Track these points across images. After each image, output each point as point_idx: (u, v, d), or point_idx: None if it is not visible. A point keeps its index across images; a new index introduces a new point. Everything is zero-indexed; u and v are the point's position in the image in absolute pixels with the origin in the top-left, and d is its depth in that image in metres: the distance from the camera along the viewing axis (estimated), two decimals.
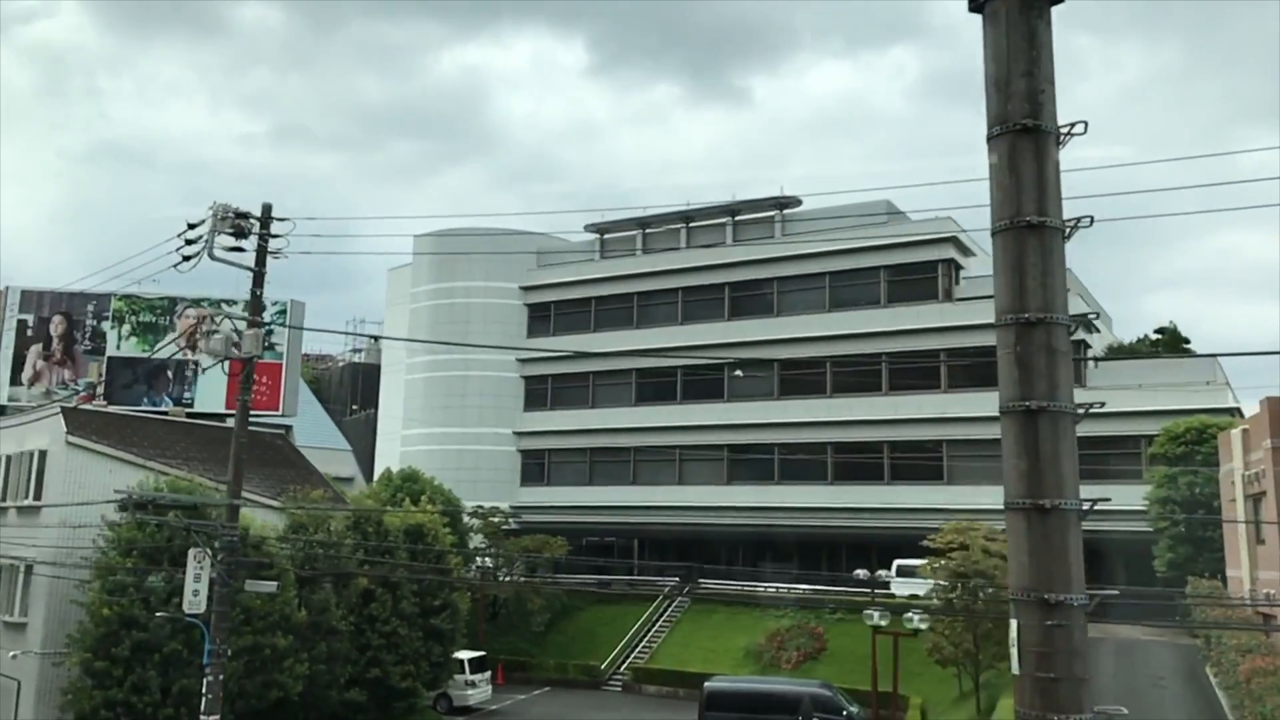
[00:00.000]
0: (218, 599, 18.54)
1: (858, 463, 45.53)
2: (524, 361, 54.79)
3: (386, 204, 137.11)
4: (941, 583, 30.30)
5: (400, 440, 56.99)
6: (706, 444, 49.28)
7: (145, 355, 30.93)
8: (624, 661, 41.43)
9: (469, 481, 50.53)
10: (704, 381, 49.96)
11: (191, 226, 19.76)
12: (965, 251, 46.00)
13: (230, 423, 32.33)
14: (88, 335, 31.53)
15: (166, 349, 30.48)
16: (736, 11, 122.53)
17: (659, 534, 50.27)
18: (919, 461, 44.29)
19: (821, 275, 47.70)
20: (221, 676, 18.51)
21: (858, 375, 46.05)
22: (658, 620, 43.49)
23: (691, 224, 52.73)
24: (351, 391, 69.23)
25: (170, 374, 31.36)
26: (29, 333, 31.46)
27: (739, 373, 48.20)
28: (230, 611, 18.95)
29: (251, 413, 35.63)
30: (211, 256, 19.37)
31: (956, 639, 28.02)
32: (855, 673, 35.83)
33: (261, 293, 19.99)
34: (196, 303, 32.02)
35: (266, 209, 19.97)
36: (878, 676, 33.76)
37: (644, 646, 42.10)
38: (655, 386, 51.26)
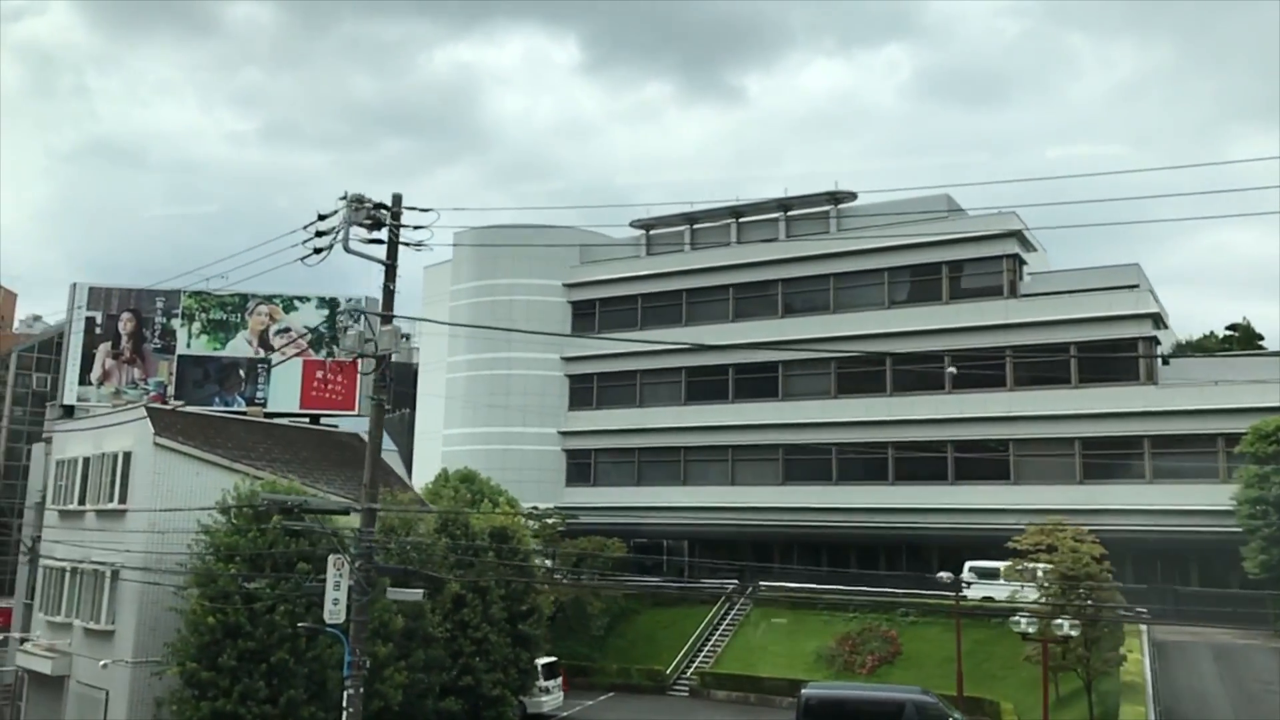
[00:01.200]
0: (356, 608, 17.63)
1: (920, 462, 44.74)
2: (568, 360, 53.92)
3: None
4: (1045, 585, 29.53)
5: (442, 440, 56.04)
6: (761, 443, 48.47)
7: (216, 354, 29.98)
8: (688, 666, 40.59)
9: (513, 482, 49.51)
10: (757, 380, 49.13)
11: (322, 217, 18.84)
12: (1028, 247, 45.28)
13: (303, 423, 31.38)
14: (157, 333, 30.53)
15: (237, 347, 29.51)
16: (730, 10, 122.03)
17: (711, 535, 49.44)
18: (984, 461, 43.55)
19: (880, 271, 46.91)
20: (362, 689, 17.61)
21: (919, 373, 45.29)
22: (720, 624, 42.66)
23: (742, 219, 51.93)
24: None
25: (242, 373, 30.40)
26: (97, 330, 30.45)
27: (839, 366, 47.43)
28: (368, 621, 18.04)
29: (327, 413, 34.82)
30: (347, 249, 18.46)
31: (1073, 643, 27.21)
32: (935, 677, 35.06)
33: (394, 286, 19.07)
34: (269, 299, 31.07)
35: (397, 199, 19.05)
36: (963, 680, 33.11)
37: (708, 650, 41.24)
38: (706, 385, 50.43)
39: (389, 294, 19.07)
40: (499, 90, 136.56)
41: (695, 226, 53.10)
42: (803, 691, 28.50)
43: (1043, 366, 43.18)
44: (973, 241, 44.65)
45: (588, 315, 54.91)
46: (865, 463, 46.00)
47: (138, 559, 24.52)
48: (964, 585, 33.88)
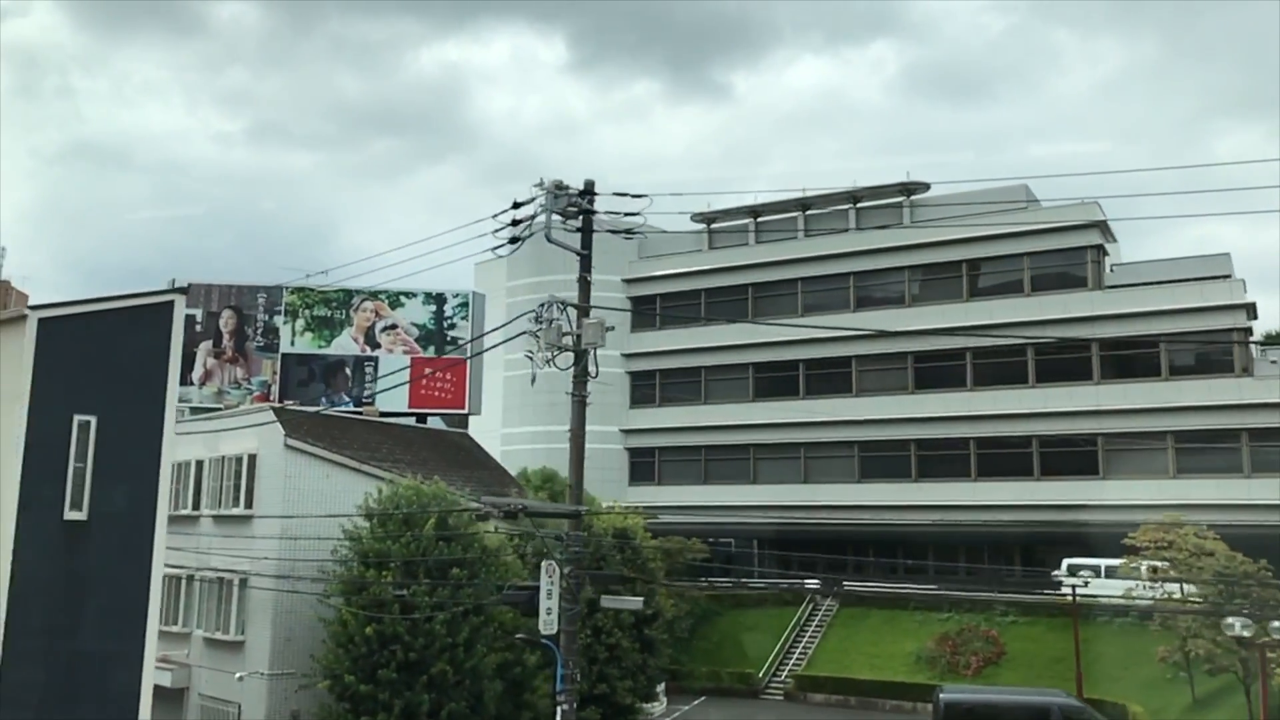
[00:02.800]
0: (566, 618, 16.62)
1: (1003, 458, 43.90)
2: (629, 356, 52.84)
3: (367, 202, 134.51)
4: (1184, 584, 28.72)
5: (500, 439, 54.83)
6: (835, 440, 47.56)
7: (321, 351, 28.88)
8: (779, 668, 39.69)
9: None
10: (829, 375, 48.23)
11: (517, 205, 17.85)
12: (1109, 237, 44.50)
13: (418, 422, 29.94)
14: (259, 330, 29.43)
15: (343, 344, 28.41)
16: (716, 7, 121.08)
17: (783, 534, 48.44)
18: (1070, 456, 42.76)
19: (958, 263, 46.04)
20: (575, 705, 16.62)
21: (1001, 367, 44.49)
22: (809, 624, 41.73)
23: (809, 211, 50.96)
24: None
25: (349, 371, 29.30)
26: (198, 328, 29.32)
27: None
28: (576, 631, 17.02)
29: (436, 411, 33.74)
30: (549, 239, 17.46)
31: (1227, 644, 26.37)
32: (1046, 678, 34.26)
33: (590, 277, 18.07)
34: (374, 294, 29.97)
35: (589, 184, 18.06)
36: (1082, 682, 32.26)
37: (800, 652, 40.32)
38: (775, 381, 49.45)
39: (586, 285, 18.08)
40: (486, 89, 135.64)
41: (759, 219, 52.09)
42: (940, 696, 27.54)
43: (1132, 359, 42.46)
44: (1054, 232, 43.85)
45: (648, 310, 53.87)
46: (945, 459, 45.14)
47: (269, 566, 23.39)
48: (1083, 583, 33.04)
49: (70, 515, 13.95)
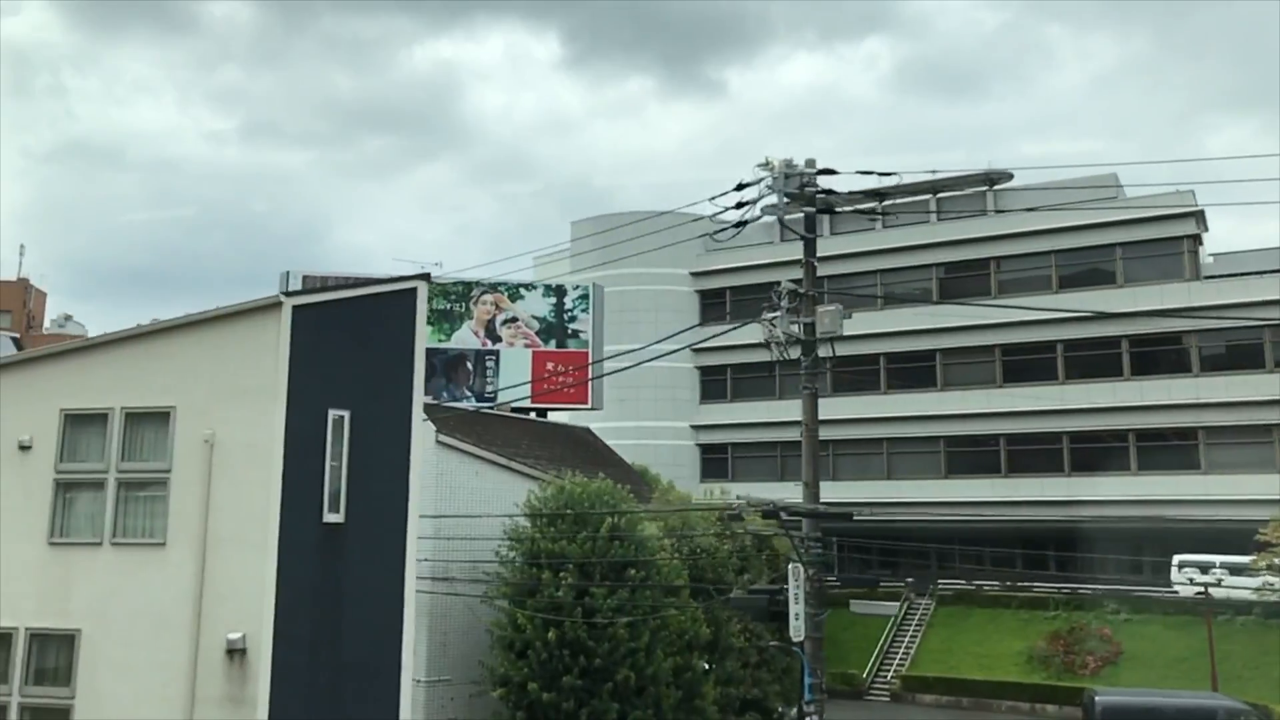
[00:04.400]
0: (812, 624, 15.65)
1: (1098, 452, 43.03)
2: (699, 351, 51.85)
3: (360, 201, 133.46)
4: None
5: None
6: (919, 435, 46.68)
7: (442, 345, 27.86)
8: (881, 668, 38.75)
9: None
10: (912, 369, 47.33)
11: (742, 186, 16.90)
12: (1203, 226, 43.63)
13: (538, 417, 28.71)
14: None
15: (463, 338, 27.38)
16: (710, 4, 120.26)
17: (865, 531, 47.48)
18: (1170, 450, 41.90)
19: (1047, 254, 45.14)
20: (825, 715, 15.64)
21: (1093, 359, 43.61)
22: (907, 624, 40.78)
23: (885, 202, 49.89)
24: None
25: (470, 365, 28.28)
26: None
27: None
28: (821, 639, 16.05)
29: (561, 407, 32.75)
30: (783, 223, 16.51)
31: None
32: (1169, 678, 33.37)
33: (815, 261, 17.10)
34: (493, 287, 28.94)
35: (810, 163, 17.08)
36: (1217, 682, 31.37)
37: (902, 652, 39.37)
38: (854, 375, 48.41)
39: (811, 269, 17.11)
40: (479, 86, 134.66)
41: (834, 211, 50.98)
42: (1095, 699, 26.61)
43: (1234, 351, 41.62)
44: (1148, 222, 43.00)
45: (717, 304, 52.97)
46: (1036, 454, 44.27)
47: (424, 568, 22.30)
48: (1215, 581, 32.18)
49: (329, 518, 12.91)
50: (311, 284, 28.81)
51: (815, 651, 15.68)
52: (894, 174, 16.46)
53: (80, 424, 13.36)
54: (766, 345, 16.32)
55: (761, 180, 16.84)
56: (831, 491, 47.78)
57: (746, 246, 52.60)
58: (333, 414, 13.10)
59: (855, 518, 38.60)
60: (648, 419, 52.45)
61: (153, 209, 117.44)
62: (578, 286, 28.98)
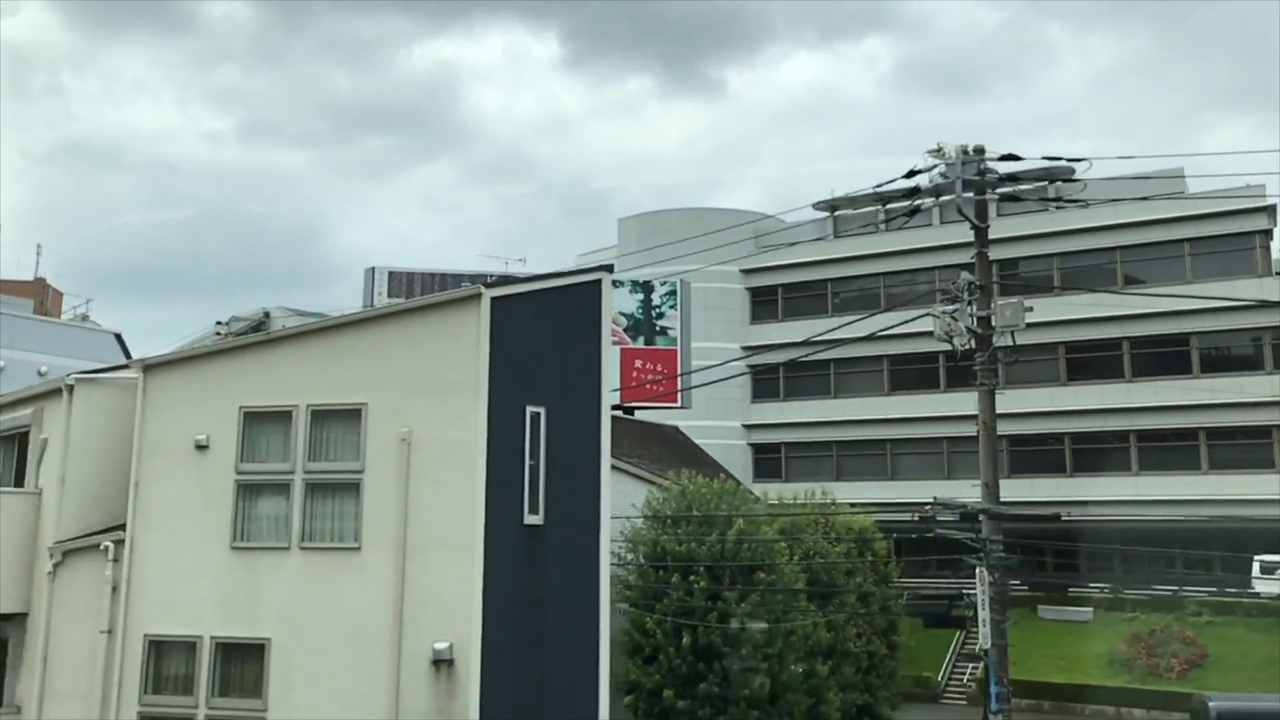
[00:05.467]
0: (995, 631, 15.01)
1: (1167, 451, 42.36)
2: (750, 349, 51.20)
3: (359, 201, 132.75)
4: None
5: None
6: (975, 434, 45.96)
7: None
8: (954, 671, 38.08)
9: None
10: (970, 368, 46.60)
11: (913, 173, 16.26)
12: (1275, 221, 42.99)
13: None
14: None
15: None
16: (710, 3, 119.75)
17: (925, 531, 46.84)
18: (1243, 448, 41.25)
19: (1111, 250, 44.46)
20: None
21: (1161, 357, 42.96)
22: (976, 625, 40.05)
23: (943, 198, 49.22)
24: None
25: None
26: None
27: None
28: (1006, 646, 15.41)
29: (648, 405, 32.06)
30: (961, 212, 15.85)
31: None
32: (1257, 682, 32.70)
33: (988, 252, 16.46)
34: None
35: (979, 150, 16.43)
36: None
37: (975, 655, 38.65)
38: (912, 374, 47.79)
39: (984, 260, 16.46)
40: (479, 86, 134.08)
41: (889, 206, 50.32)
42: (1210, 704, 25.77)
43: None
44: (1219, 217, 42.33)
45: (769, 302, 52.27)
46: (1102, 452, 43.63)
47: None
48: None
49: (529, 520, 12.26)
50: (397, 280, 28.20)
51: (1001, 659, 15.03)
52: (1084, 160, 15.68)
53: (261, 422, 12.71)
54: (947, 340, 15.60)
55: (934, 167, 16.12)
56: (890, 491, 47.41)
57: (799, 244, 51.99)
58: (529, 410, 12.45)
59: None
60: (698, 418, 51.67)
61: (151, 209, 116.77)
62: (665, 282, 28.34)
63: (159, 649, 12.49)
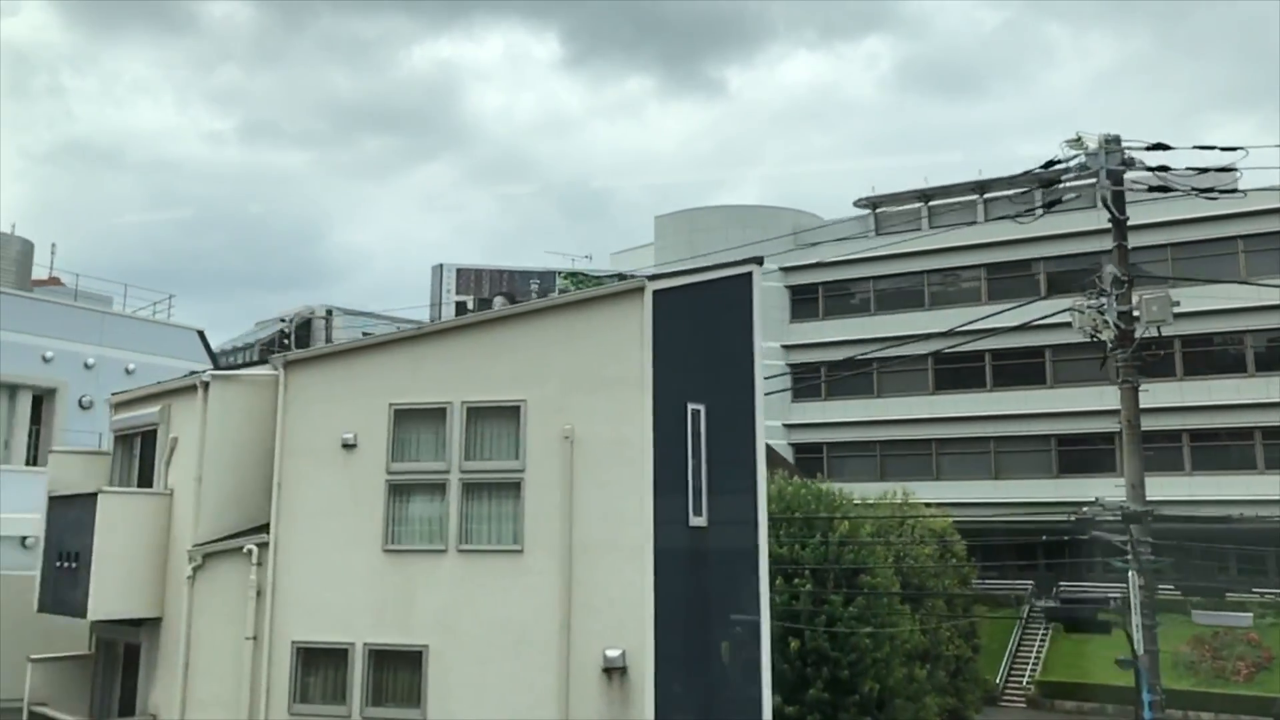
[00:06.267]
0: (1147, 637, 14.55)
1: (1222, 450, 41.90)
2: (790, 348, 50.73)
3: (360, 201, 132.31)
4: None
5: None
6: (1028, 434, 45.54)
7: None
8: (1013, 673, 37.62)
9: None
10: (1020, 366, 46.14)
11: (1049, 165, 15.78)
12: None
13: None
14: None
15: None
16: (710, 3, 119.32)
17: (969, 531, 46.36)
18: None
19: (1163, 247, 43.95)
20: None
21: (1214, 356, 42.50)
22: (1034, 628, 39.66)
23: (988, 195, 48.86)
24: None
25: None
26: None
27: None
28: (1158, 653, 14.94)
29: None
30: (1106, 205, 15.38)
31: None
32: None
33: (1126, 244, 15.98)
34: (649, 279, 27.71)
35: (1114, 139, 15.95)
36: None
37: (1034, 657, 38.23)
38: (957, 373, 47.29)
39: (1123, 252, 15.97)
40: (479, 86, 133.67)
41: (931, 204, 49.98)
42: None
43: None
44: (1269, 214, 41.88)
45: (809, 300, 51.80)
46: (1159, 452, 43.06)
47: None
48: None
49: (694, 521, 11.78)
50: (465, 277, 27.70)
51: (1154, 665, 14.57)
52: (1239, 149, 15.19)
53: (411, 420, 12.22)
54: (1093, 334, 15.12)
55: (1074, 158, 15.64)
56: (935, 491, 46.80)
57: (838, 241, 51.54)
58: (690, 407, 11.97)
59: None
60: None
61: (151, 209, 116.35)
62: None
63: (307, 656, 12.00)
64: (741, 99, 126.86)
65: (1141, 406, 42.89)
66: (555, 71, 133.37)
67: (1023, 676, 37.24)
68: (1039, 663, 37.88)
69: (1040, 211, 16.99)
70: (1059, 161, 15.73)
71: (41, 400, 19.62)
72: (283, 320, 26.62)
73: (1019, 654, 38.44)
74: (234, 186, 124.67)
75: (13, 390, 19.06)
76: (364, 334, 32.67)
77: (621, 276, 28.27)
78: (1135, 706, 15.19)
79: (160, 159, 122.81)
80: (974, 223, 48.61)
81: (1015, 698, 36.63)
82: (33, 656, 13.65)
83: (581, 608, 11.31)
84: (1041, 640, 38.85)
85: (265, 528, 12.66)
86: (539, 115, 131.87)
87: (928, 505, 28.95)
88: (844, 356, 49.55)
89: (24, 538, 15.74)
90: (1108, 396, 44.17)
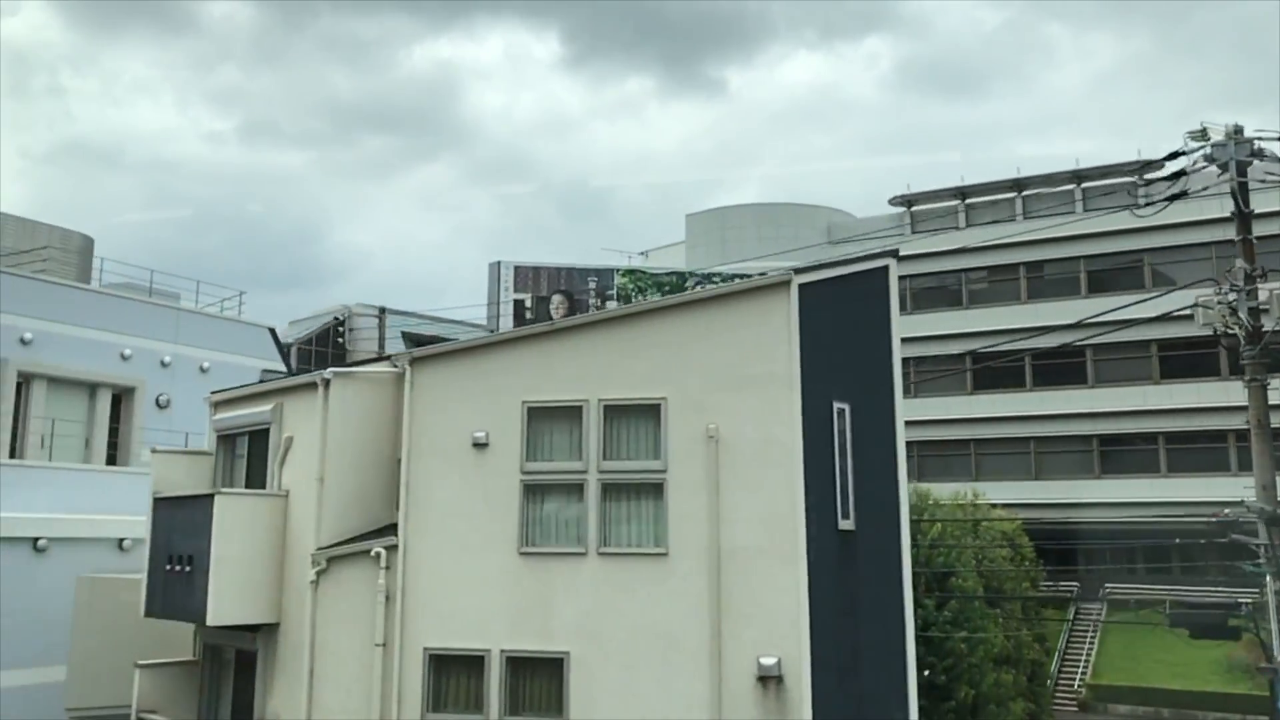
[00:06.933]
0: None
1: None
2: None
3: (360, 201, 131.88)
4: None
5: None
6: (1068, 434, 45.11)
7: None
8: (1063, 676, 37.15)
9: None
10: (1060, 365, 45.68)
11: (1174, 155, 15.35)
12: None
13: None
14: None
15: None
16: (711, 3, 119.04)
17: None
18: None
19: (1207, 245, 43.51)
20: None
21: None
22: (1081, 630, 39.23)
23: (1026, 193, 48.49)
24: None
25: None
26: (528, 315, 26.69)
27: None
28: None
29: None
30: (1235, 196, 14.94)
31: None
32: None
33: (1252, 238, 15.55)
34: (707, 277, 27.42)
35: (1237, 130, 15.51)
36: None
37: (1084, 660, 37.79)
38: (996, 373, 46.85)
39: (1249, 246, 15.52)
40: (479, 86, 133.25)
41: (968, 201, 49.58)
42: None
43: None
44: None
45: None
46: (1201, 453, 42.70)
47: None
48: None
49: (843, 525, 11.36)
50: (523, 274, 27.27)
51: None
52: None
53: (545, 419, 11.80)
54: (1222, 330, 14.69)
55: (1198, 149, 15.21)
56: (973, 491, 46.19)
57: (873, 238, 51.14)
58: (835, 406, 11.55)
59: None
60: None
61: (150, 209, 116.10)
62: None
63: (440, 663, 11.57)
64: (741, 99, 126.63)
65: (1183, 406, 42.42)
66: (555, 71, 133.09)
67: (1073, 679, 36.78)
68: (1088, 665, 37.44)
69: (1162, 204, 15.99)
70: (1183, 153, 15.24)
71: (120, 399, 19.23)
72: (338, 320, 26.19)
73: (1068, 656, 37.99)
74: (234, 186, 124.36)
75: (93, 389, 18.66)
76: (402, 334, 32.20)
77: (683, 275, 27.87)
78: (1270, 715, 14.74)
79: (160, 159, 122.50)
80: (1013, 219, 48.28)
81: (1066, 701, 36.14)
82: (140, 662, 13.21)
83: (732, 613, 10.89)
84: (1090, 642, 38.41)
85: (388, 530, 12.25)
86: (539, 115, 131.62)
87: (993, 506, 28.51)
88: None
89: (120, 540, 15.36)
90: (1153, 396, 43.90)
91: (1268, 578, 14.02)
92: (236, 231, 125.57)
